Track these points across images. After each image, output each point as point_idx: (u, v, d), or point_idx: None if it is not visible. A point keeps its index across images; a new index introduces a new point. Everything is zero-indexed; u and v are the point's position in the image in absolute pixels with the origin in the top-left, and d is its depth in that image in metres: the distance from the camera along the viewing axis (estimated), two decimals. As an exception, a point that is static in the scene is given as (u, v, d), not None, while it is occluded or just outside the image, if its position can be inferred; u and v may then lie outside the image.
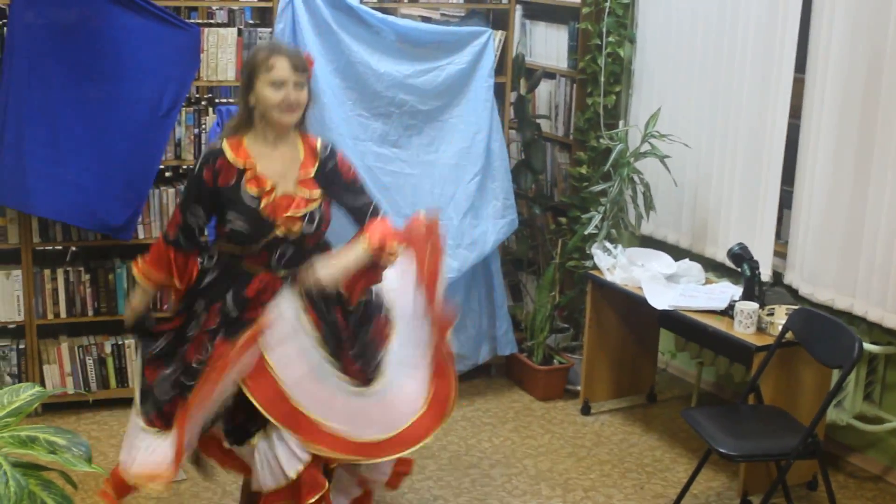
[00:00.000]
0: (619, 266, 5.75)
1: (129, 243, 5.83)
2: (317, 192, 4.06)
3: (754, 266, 5.21)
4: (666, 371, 6.65)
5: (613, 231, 6.02)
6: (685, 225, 6.22)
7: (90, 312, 5.87)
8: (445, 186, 5.98)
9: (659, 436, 5.86)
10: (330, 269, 4.01)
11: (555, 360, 6.42)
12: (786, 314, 4.99)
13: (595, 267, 5.93)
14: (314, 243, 4.12)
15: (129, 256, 5.88)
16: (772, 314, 5.08)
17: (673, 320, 5.55)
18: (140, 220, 5.80)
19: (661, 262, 5.80)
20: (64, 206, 5.58)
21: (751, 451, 4.58)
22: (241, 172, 3.99)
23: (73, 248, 5.90)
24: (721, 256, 5.89)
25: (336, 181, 4.12)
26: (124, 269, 5.86)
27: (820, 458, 4.68)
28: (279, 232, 4.00)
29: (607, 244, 5.91)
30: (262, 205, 3.98)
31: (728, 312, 5.22)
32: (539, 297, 6.41)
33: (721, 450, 4.49)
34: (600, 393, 6.17)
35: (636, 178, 5.94)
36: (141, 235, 5.84)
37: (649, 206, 5.97)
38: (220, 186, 4.00)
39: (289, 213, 3.99)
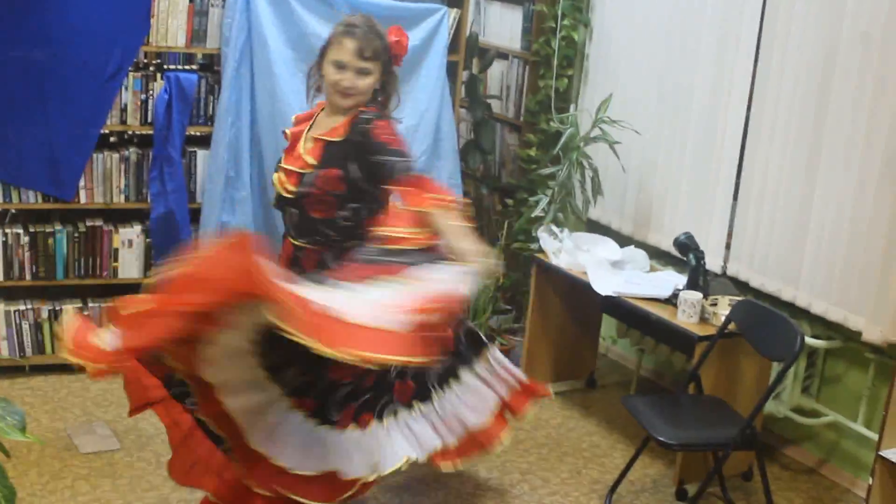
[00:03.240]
0: (565, 250, 5.74)
1: (70, 206, 5.75)
2: (311, 160, 4.05)
3: (699, 256, 5.22)
4: (606, 356, 6.66)
5: (560, 215, 6.00)
6: (632, 211, 6.22)
7: (28, 277, 5.78)
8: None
9: (597, 421, 5.86)
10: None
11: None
12: (729, 305, 5.00)
13: (540, 250, 5.91)
14: (320, 215, 4.07)
15: (69, 221, 5.82)
16: (715, 304, 5.09)
17: (616, 306, 5.56)
18: (82, 184, 5.71)
19: (607, 248, 5.80)
20: (7, 167, 5.51)
21: (689, 440, 4.60)
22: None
23: (12, 210, 5.79)
24: (666, 244, 5.90)
25: (366, 146, 4.03)
26: (64, 234, 5.77)
27: (757, 450, 4.71)
28: (278, 186, 4.12)
29: (553, 228, 5.89)
30: (284, 157, 4.16)
31: (672, 301, 5.23)
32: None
33: (660, 438, 4.49)
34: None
35: (585, 163, 5.92)
36: (83, 200, 5.76)
37: (597, 191, 5.96)
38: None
39: (283, 164, 4.08)
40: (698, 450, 4.92)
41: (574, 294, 5.95)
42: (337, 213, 4.06)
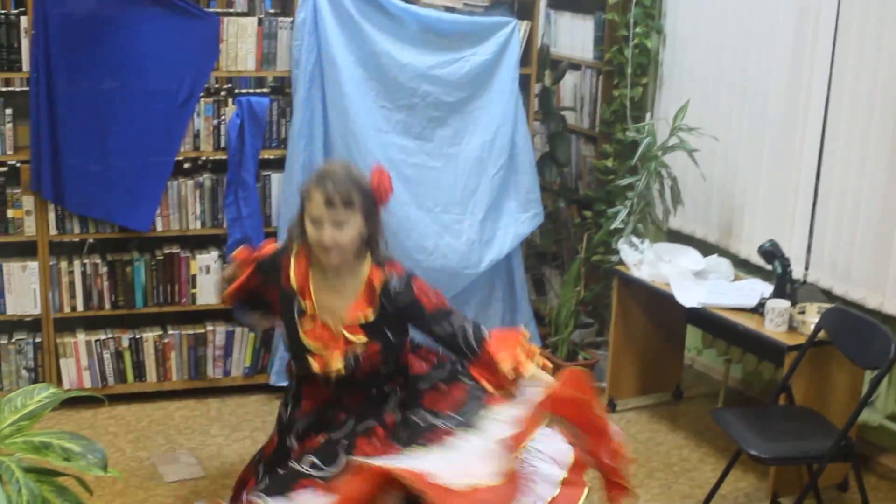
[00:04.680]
0: (646, 262, 5.64)
1: (146, 235, 5.76)
2: (362, 338, 3.66)
3: (785, 263, 5.10)
4: (692, 367, 6.54)
5: (640, 226, 5.90)
6: (713, 220, 6.11)
7: (107, 305, 5.79)
8: (469, 179, 5.88)
9: (685, 434, 5.75)
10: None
11: (579, 356, 6.31)
12: (818, 313, 4.87)
13: (621, 262, 5.82)
14: (364, 377, 3.75)
15: (147, 249, 5.83)
16: (803, 312, 4.97)
17: (700, 317, 5.45)
18: (158, 212, 5.72)
19: (689, 258, 5.69)
20: (83, 199, 5.54)
21: (782, 454, 4.48)
22: (293, 288, 3.73)
23: (90, 240, 5.81)
24: (746, 252, 5.79)
25: (417, 315, 3.71)
26: (142, 262, 5.78)
27: (853, 461, 4.57)
28: (315, 368, 3.69)
29: (634, 239, 5.80)
30: (303, 325, 3.70)
31: (758, 310, 5.11)
32: (564, 292, 6.30)
33: (752, 452, 4.38)
34: (626, 390, 6.07)
35: (663, 172, 5.82)
36: (159, 228, 5.76)
37: (677, 200, 5.86)
38: (281, 280, 3.77)
39: (326, 360, 3.66)
40: (792, 463, 4.79)
41: (657, 305, 5.85)
42: (382, 369, 3.78)
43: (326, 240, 3.55)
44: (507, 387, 3.63)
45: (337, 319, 3.67)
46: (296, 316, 3.70)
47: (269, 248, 3.96)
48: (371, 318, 3.66)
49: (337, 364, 3.65)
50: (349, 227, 3.57)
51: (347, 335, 3.65)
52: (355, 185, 3.60)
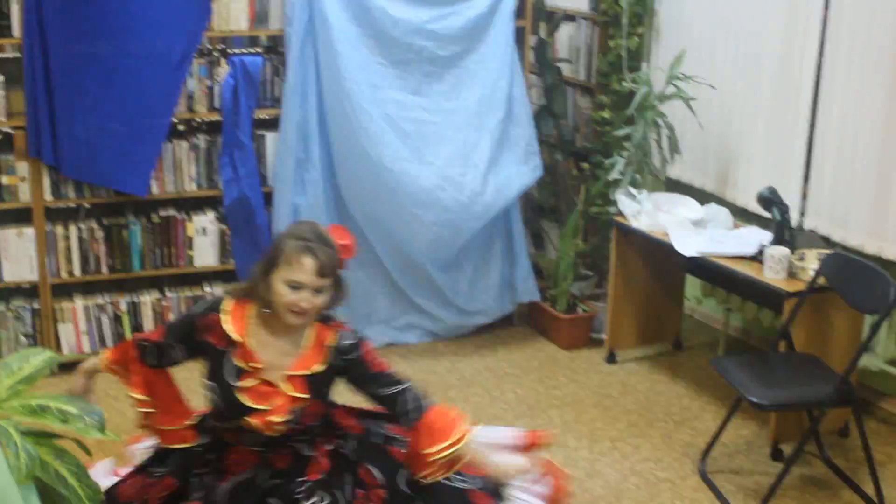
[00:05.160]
0: (645, 212, 5.62)
1: (142, 199, 5.74)
2: (305, 395, 3.52)
3: (784, 210, 5.08)
4: (692, 317, 6.54)
5: (637, 176, 5.88)
6: (710, 169, 6.09)
7: (105, 270, 5.78)
8: (468, 133, 5.86)
9: (686, 384, 5.76)
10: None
11: (579, 309, 6.32)
12: (817, 259, 4.85)
13: (619, 213, 5.80)
14: (300, 432, 3.63)
15: (143, 212, 5.81)
16: (802, 259, 4.95)
17: (700, 266, 5.44)
18: (154, 174, 5.69)
19: (688, 208, 5.67)
20: (79, 164, 5.52)
21: (783, 400, 4.47)
22: (232, 344, 3.53)
23: (86, 205, 5.79)
24: (745, 201, 5.77)
25: (361, 373, 3.61)
26: (138, 226, 5.77)
27: (854, 406, 4.57)
28: (256, 426, 3.51)
29: (631, 190, 5.78)
30: (241, 385, 3.50)
31: (757, 258, 5.09)
32: (562, 245, 6.29)
33: (752, 399, 4.38)
34: (625, 341, 6.07)
35: (660, 122, 5.80)
36: (155, 191, 5.74)
37: (674, 149, 5.83)
38: (208, 342, 3.57)
39: (268, 418, 3.49)
40: (793, 409, 4.79)
41: (656, 256, 5.84)
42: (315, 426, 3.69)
43: (306, 305, 3.44)
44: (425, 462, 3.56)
45: (279, 376, 3.52)
46: (230, 375, 3.53)
47: (153, 334, 3.76)
48: (319, 371, 3.54)
49: (279, 421, 3.50)
50: (325, 294, 3.49)
51: (293, 392, 3.51)
52: (333, 249, 3.52)
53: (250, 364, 3.50)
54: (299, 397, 3.51)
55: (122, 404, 5.41)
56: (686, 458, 4.98)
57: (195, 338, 3.58)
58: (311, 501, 3.59)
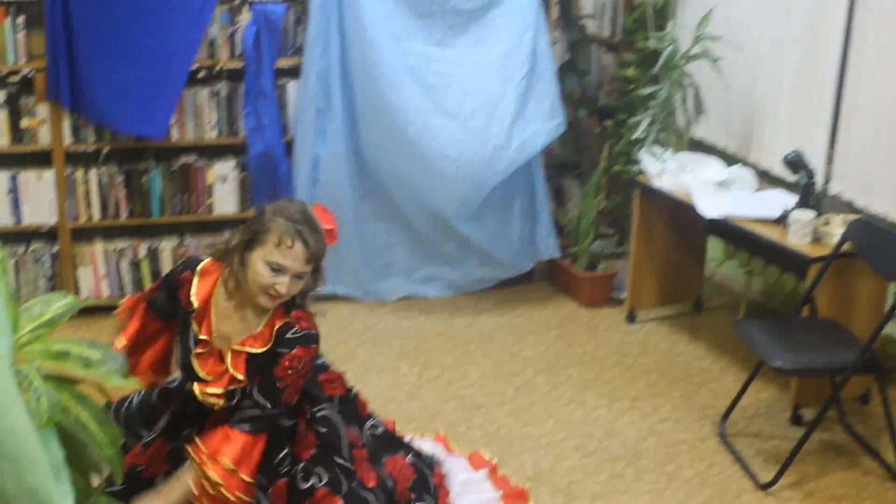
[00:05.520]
0: (668, 172, 5.57)
1: (162, 144, 5.71)
2: (240, 376, 3.42)
3: (810, 174, 5.02)
4: (713, 279, 6.49)
5: (662, 135, 5.82)
6: (735, 130, 6.00)
7: (124, 215, 5.76)
8: (493, 87, 5.79)
9: (706, 345, 5.72)
10: None
11: (599, 267, 6.28)
12: (843, 224, 4.80)
13: (642, 172, 5.75)
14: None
15: (163, 158, 5.78)
16: (827, 224, 4.89)
17: (723, 228, 5.40)
18: (174, 121, 5.65)
19: (712, 169, 5.60)
20: (98, 107, 5.48)
21: (806, 365, 4.44)
22: (193, 308, 3.49)
23: (106, 150, 5.75)
24: (768, 163, 5.70)
25: (264, 367, 3.44)
26: (158, 171, 5.73)
27: (876, 373, 4.53)
28: (196, 393, 3.48)
29: (655, 149, 5.71)
30: (196, 350, 3.47)
31: (781, 221, 5.04)
32: (584, 203, 6.24)
33: (775, 363, 4.35)
34: (646, 300, 6.03)
35: (686, 82, 5.73)
36: (175, 137, 5.71)
37: (699, 110, 5.76)
38: (179, 300, 3.54)
39: (208, 390, 3.44)
40: (815, 375, 4.75)
41: (678, 216, 5.79)
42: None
43: (283, 290, 3.34)
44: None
45: (226, 348, 3.46)
46: (190, 340, 3.50)
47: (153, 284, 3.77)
48: (257, 353, 3.43)
49: (213, 393, 3.45)
50: (302, 281, 3.39)
51: (232, 371, 3.43)
52: (322, 239, 3.41)
53: (206, 332, 3.45)
54: (236, 377, 3.43)
55: (138, 351, 5.40)
56: (705, 420, 4.95)
57: (173, 293, 3.55)
58: (311, 482, 3.58)
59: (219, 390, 3.43)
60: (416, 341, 5.69)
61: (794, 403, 4.95)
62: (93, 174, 5.66)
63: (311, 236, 3.33)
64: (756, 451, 4.71)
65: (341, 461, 3.65)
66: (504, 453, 4.60)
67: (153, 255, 5.82)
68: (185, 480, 3.39)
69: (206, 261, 3.54)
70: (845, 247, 4.70)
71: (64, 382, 2.55)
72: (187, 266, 3.55)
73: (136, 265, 5.80)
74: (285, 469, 3.58)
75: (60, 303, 2.70)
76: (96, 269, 5.74)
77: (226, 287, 3.46)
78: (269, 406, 3.40)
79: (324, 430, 3.66)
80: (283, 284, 3.32)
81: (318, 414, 3.68)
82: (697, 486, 4.43)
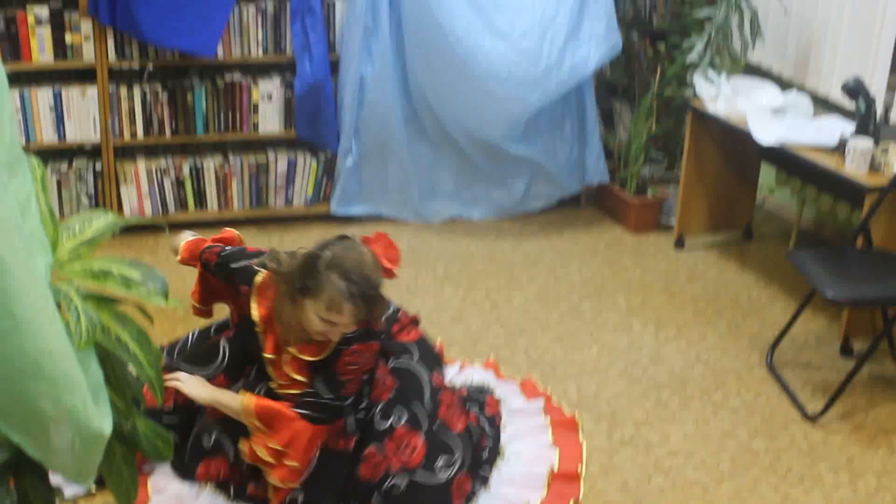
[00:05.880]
0: (723, 96, 5.44)
1: (207, 62, 5.64)
2: (302, 378, 3.45)
3: (870, 101, 4.87)
4: (763, 207, 6.38)
5: (716, 59, 5.68)
6: (791, 55, 5.86)
7: (168, 133, 5.71)
8: (546, 5, 5.65)
9: (755, 274, 5.63)
10: (202, 391, 3.59)
11: (648, 192, 6.18)
12: (902, 152, 4.67)
13: (695, 96, 5.62)
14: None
15: (208, 76, 5.72)
16: (886, 153, 4.76)
17: (777, 155, 5.28)
18: (220, 37, 5.57)
19: (767, 94, 5.46)
20: (142, 25, 5.39)
21: (859, 297, 4.34)
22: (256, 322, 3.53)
23: (150, 67, 5.68)
24: (825, 90, 5.57)
25: (326, 364, 3.44)
26: (203, 89, 5.66)
27: (930, 306, 4.44)
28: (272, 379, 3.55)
29: (710, 73, 5.58)
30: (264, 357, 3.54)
31: (838, 149, 4.91)
32: (634, 127, 6.13)
33: (828, 294, 4.24)
34: (695, 227, 5.93)
35: (743, 4, 5.57)
36: (220, 55, 5.62)
37: (756, 33, 5.62)
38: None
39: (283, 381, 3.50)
40: (869, 306, 4.67)
41: (731, 142, 5.68)
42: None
43: (335, 338, 3.36)
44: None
45: (288, 356, 3.48)
46: (255, 344, 3.58)
47: (212, 252, 3.73)
48: (316, 359, 3.44)
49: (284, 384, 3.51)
50: (353, 327, 3.38)
51: (292, 374, 3.46)
52: (378, 296, 3.36)
53: (267, 352, 3.50)
54: (297, 380, 3.44)
55: (183, 270, 5.37)
56: (753, 350, 4.87)
57: (231, 279, 3.61)
58: (390, 421, 3.55)
59: (287, 388, 3.49)
60: (461, 264, 5.63)
61: (845, 335, 4.86)
62: (136, 91, 5.60)
63: (363, 299, 3.26)
64: (804, 382, 4.63)
65: (421, 407, 3.66)
66: (548, 379, 4.55)
67: (197, 174, 5.78)
68: (236, 406, 3.47)
69: (261, 276, 3.50)
70: (904, 176, 4.58)
71: (104, 302, 2.50)
72: (244, 279, 3.53)
73: (179, 183, 5.76)
74: (362, 413, 3.59)
75: (101, 221, 2.64)
76: (139, 188, 5.70)
77: (283, 306, 3.40)
78: (331, 396, 3.41)
79: (403, 379, 3.68)
80: (336, 334, 3.34)
81: (396, 364, 3.71)
82: (744, 415, 4.37)
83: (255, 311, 3.49)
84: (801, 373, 4.70)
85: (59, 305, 2.29)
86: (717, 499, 3.82)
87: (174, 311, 4.76)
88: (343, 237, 3.40)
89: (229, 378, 3.73)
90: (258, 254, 3.57)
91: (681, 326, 5.07)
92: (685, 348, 4.87)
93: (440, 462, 3.62)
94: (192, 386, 3.58)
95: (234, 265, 3.58)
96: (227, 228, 3.92)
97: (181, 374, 3.61)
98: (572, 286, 5.43)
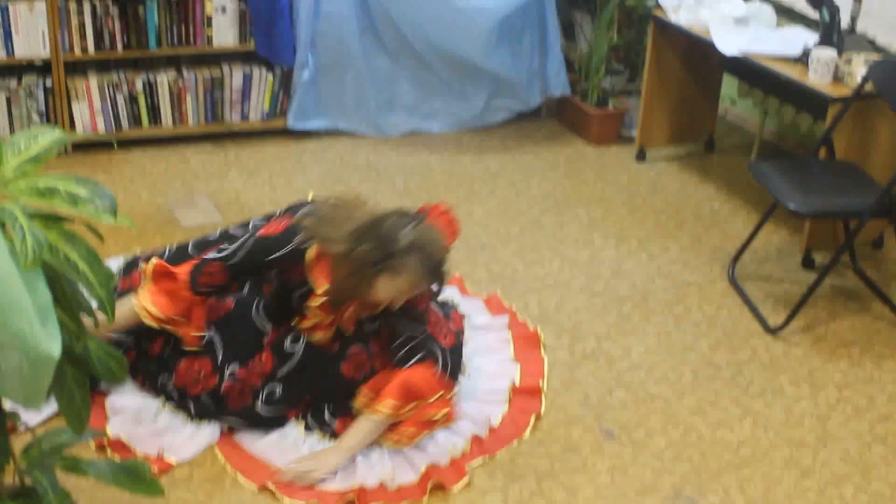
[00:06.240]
0: (685, 7, 5.36)
1: (159, -27, 5.50)
2: (349, 332, 3.62)
3: (833, 11, 4.81)
4: (725, 118, 6.34)
5: (678, -33, 5.60)
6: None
7: (119, 47, 5.57)
8: None
9: (717, 186, 5.60)
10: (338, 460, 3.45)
11: (610, 104, 6.11)
12: (865, 64, 4.61)
13: (657, 6, 5.54)
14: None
15: (160, -13, 5.57)
16: (850, 63, 4.71)
17: (739, 66, 5.24)
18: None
19: (730, 4, 5.37)
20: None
21: (822, 209, 4.30)
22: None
23: (101, -22, 5.55)
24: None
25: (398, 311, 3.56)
26: (155, 1, 5.52)
27: (892, 218, 4.40)
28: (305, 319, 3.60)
29: (672, -18, 5.51)
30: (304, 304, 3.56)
31: (801, 59, 4.85)
32: (595, 37, 6.05)
33: (791, 206, 4.21)
34: (657, 139, 5.89)
35: None
36: (172, -36, 5.49)
37: (718, -61, 5.53)
38: (286, 272, 3.54)
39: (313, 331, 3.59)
40: (831, 218, 4.65)
41: (693, 53, 5.62)
42: None
43: (398, 304, 3.49)
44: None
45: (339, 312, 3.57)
46: (297, 298, 3.56)
47: (213, 272, 3.53)
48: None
49: (320, 334, 3.60)
50: None
51: (343, 329, 3.60)
52: (446, 266, 3.45)
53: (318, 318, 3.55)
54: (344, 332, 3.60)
55: (137, 187, 5.29)
56: (715, 262, 4.85)
57: (267, 268, 3.54)
58: (377, 323, 3.61)
59: (323, 334, 3.59)
60: (420, 178, 5.56)
61: (806, 247, 4.84)
62: (86, 5, 5.44)
63: (437, 277, 3.42)
64: (766, 295, 4.61)
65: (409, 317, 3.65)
66: (509, 293, 4.51)
67: (150, 89, 5.66)
68: (375, 432, 3.47)
69: (311, 250, 3.44)
70: (867, 87, 4.52)
71: (52, 221, 2.42)
72: (295, 256, 3.45)
73: (132, 99, 5.64)
74: None
75: (47, 137, 2.55)
76: (91, 104, 5.57)
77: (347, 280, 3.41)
78: (423, 328, 3.55)
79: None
80: (400, 301, 3.46)
81: None
82: (705, 328, 4.35)
83: (318, 284, 3.47)
84: (763, 285, 4.69)
85: (2, 225, 2.22)
86: (679, 412, 3.81)
87: (128, 231, 4.68)
88: (408, 213, 3.40)
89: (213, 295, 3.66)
90: (280, 237, 3.48)
91: (642, 240, 5.04)
92: (646, 261, 4.85)
93: None
94: (327, 465, 3.43)
95: (270, 257, 3.47)
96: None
97: (305, 465, 3.43)
98: (533, 200, 5.38)
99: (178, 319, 3.52)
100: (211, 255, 3.52)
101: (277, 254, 3.45)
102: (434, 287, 3.49)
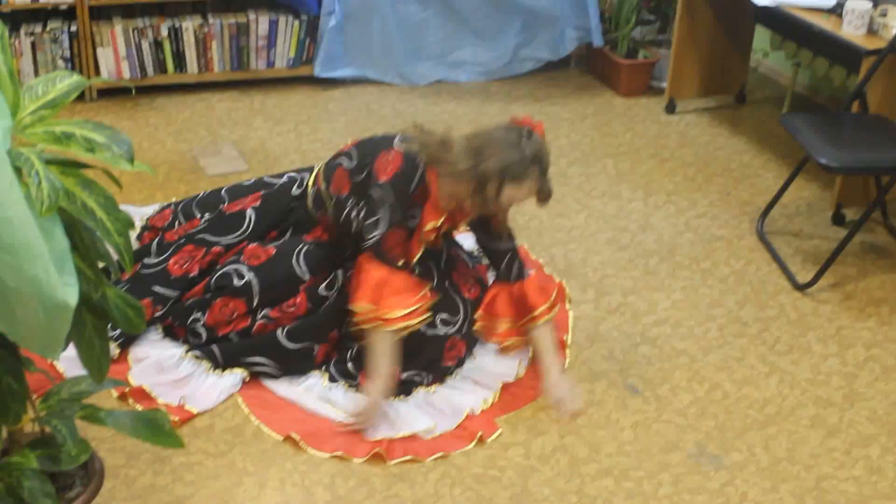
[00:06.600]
0: (717, -45, 5.28)
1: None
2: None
3: (869, -40, 4.72)
4: (757, 70, 6.25)
5: (711, -85, 5.51)
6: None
7: (145, -8, 5.54)
8: None
9: (747, 139, 5.52)
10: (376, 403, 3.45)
11: (640, 54, 6.03)
12: (902, 14, 4.53)
13: (690, -45, 5.46)
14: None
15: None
16: (885, 15, 4.61)
17: (772, 17, 5.14)
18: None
19: (764, -48, 5.30)
20: None
21: (854, 163, 4.22)
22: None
23: (126, -79, 5.49)
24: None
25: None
26: (181, -55, 5.48)
27: (925, 172, 4.33)
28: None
29: (705, -70, 5.42)
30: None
31: (836, 11, 4.76)
32: (626, -13, 5.97)
33: (822, 160, 4.13)
34: (686, 91, 5.81)
35: None
36: None
37: None
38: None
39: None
40: (863, 173, 4.57)
41: (725, 3, 5.54)
42: None
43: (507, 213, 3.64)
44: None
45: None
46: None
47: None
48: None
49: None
50: None
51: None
52: None
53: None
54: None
55: (162, 134, 5.26)
56: (744, 217, 4.79)
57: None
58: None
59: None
60: (447, 127, 5.50)
61: (837, 203, 4.77)
62: (112, -53, 5.41)
63: (550, 181, 3.50)
64: (795, 251, 4.55)
65: (434, 265, 3.77)
66: (535, 245, 4.47)
67: (175, 35, 5.61)
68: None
69: (428, 170, 3.51)
70: (902, 39, 4.44)
71: (69, 167, 2.39)
72: (420, 181, 3.50)
73: (157, 45, 5.60)
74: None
75: (66, 82, 2.51)
76: (116, 50, 5.53)
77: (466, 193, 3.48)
78: (509, 232, 3.72)
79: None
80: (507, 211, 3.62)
81: None
82: (733, 284, 4.30)
83: (432, 220, 3.57)
84: (792, 241, 4.63)
85: (18, 170, 2.19)
86: (704, 368, 3.76)
87: (151, 179, 4.65)
88: (514, 127, 3.46)
89: (255, 242, 3.75)
90: (405, 168, 3.50)
91: (670, 193, 4.98)
92: (674, 215, 4.79)
93: (443, 316, 3.64)
94: (369, 414, 3.42)
95: (411, 189, 3.51)
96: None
97: (354, 418, 3.43)
98: (560, 150, 5.32)
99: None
100: (377, 233, 3.48)
101: (413, 183, 3.50)
102: (546, 194, 3.51)
